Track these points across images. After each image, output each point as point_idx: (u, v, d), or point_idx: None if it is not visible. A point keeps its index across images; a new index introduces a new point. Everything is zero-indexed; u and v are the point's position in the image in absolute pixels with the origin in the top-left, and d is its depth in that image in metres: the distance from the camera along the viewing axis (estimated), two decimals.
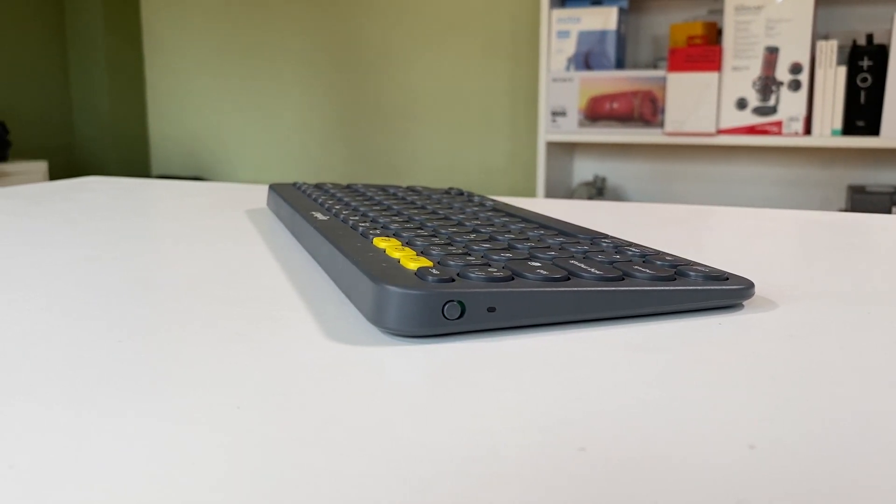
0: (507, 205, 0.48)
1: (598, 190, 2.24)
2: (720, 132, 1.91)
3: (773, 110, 1.85)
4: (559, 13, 2.04)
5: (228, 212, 0.55)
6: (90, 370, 0.23)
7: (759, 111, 1.86)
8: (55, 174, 2.93)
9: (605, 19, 2.01)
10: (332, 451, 0.17)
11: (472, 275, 0.27)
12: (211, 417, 0.19)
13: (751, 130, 1.88)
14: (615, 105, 2.01)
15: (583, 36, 2.03)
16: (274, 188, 0.53)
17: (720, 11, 2.06)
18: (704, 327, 0.27)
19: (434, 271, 0.27)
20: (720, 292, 0.29)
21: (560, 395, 0.21)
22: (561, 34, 2.05)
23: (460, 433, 0.18)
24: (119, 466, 0.17)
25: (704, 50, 1.89)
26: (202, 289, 0.33)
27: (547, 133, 2.07)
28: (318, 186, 0.54)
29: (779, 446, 0.18)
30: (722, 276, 0.30)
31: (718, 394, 0.21)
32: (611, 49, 2.02)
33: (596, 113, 2.03)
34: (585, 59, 2.04)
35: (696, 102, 1.91)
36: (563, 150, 2.22)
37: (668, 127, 1.94)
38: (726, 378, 0.22)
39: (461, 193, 0.54)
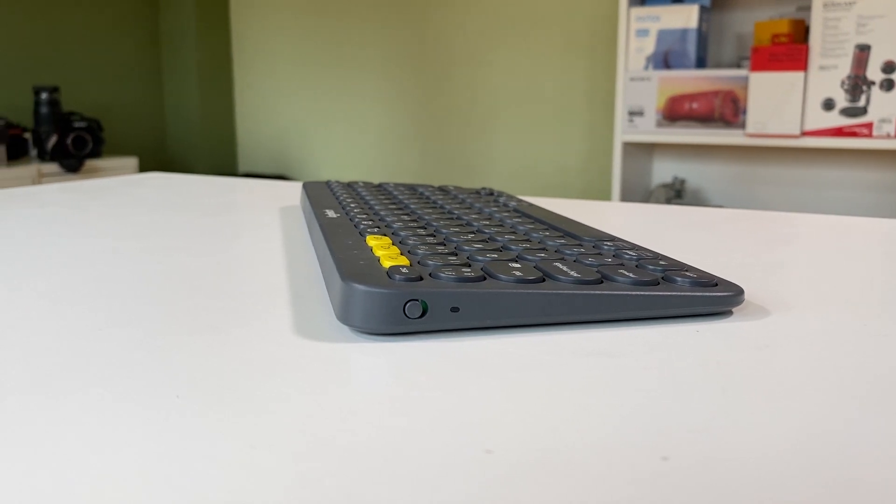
0: (530, 206, 0.47)
1: (676, 192, 2.19)
2: (805, 134, 1.83)
3: (862, 111, 1.77)
4: (638, 11, 2.00)
5: (264, 209, 0.57)
6: (54, 356, 0.24)
7: (847, 112, 1.78)
8: (145, 170, 3.06)
9: (687, 17, 1.96)
10: (243, 443, 0.18)
11: (442, 275, 0.27)
12: (148, 405, 0.20)
13: (838, 132, 1.79)
14: (695, 105, 1.96)
15: (662, 34, 1.99)
16: (306, 186, 0.54)
17: (808, 9, 1.98)
18: (680, 334, 0.26)
19: (403, 270, 0.27)
20: (704, 299, 0.28)
21: (489, 398, 0.21)
22: (640, 32, 2.01)
23: (373, 430, 0.19)
24: (45, 450, 0.17)
25: (789, 48, 1.81)
26: (198, 282, 0.34)
27: (623, 133, 2.04)
28: (349, 185, 0.55)
29: (692, 460, 0.17)
30: (710, 282, 0.29)
31: (653, 402, 0.20)
32: (691, 48, 1.97)
33: (675, 113, 1.98)
34: (665, 58, 1.99)
35: (779, 103, 1.84)
36: (641, 151, 2.18)
37: (750, 128, 1.88)
38: (671, 387, 0.21)
39: (490, 193, 0.54)
